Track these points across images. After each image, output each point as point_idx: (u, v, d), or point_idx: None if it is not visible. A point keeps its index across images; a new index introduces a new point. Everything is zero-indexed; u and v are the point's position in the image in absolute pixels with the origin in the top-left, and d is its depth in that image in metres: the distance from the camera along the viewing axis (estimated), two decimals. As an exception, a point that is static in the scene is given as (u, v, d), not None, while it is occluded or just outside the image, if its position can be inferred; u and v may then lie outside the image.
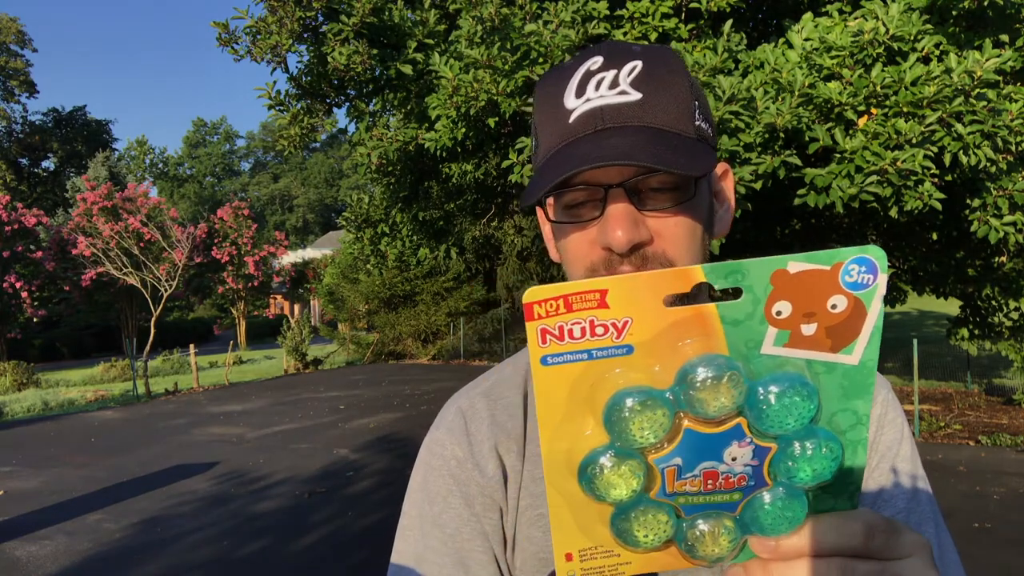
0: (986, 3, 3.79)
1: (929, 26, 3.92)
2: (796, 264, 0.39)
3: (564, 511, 0.45)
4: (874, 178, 3.76)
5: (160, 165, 63.16)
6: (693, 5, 4.67)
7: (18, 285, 22.00)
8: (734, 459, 0.42)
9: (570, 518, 0.45)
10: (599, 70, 0.69)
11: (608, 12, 4.55)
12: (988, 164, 3.75)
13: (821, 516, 0.43)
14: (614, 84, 0.68)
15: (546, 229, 0.82)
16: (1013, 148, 3.76)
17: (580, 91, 0.69)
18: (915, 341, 10.35)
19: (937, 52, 4.01)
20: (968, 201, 4.41)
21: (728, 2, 4.56)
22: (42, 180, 44.43)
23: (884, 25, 3.82)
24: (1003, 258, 6.38)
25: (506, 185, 6.80)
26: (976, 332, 7.77)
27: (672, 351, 0.41)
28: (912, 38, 3.89)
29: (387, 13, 5.16)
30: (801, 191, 4.13)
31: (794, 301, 0.39)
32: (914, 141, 3.69)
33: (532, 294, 0.40)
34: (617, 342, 0.40)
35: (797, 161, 3.99)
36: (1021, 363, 8.90)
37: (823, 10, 4.55)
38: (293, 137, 6.00)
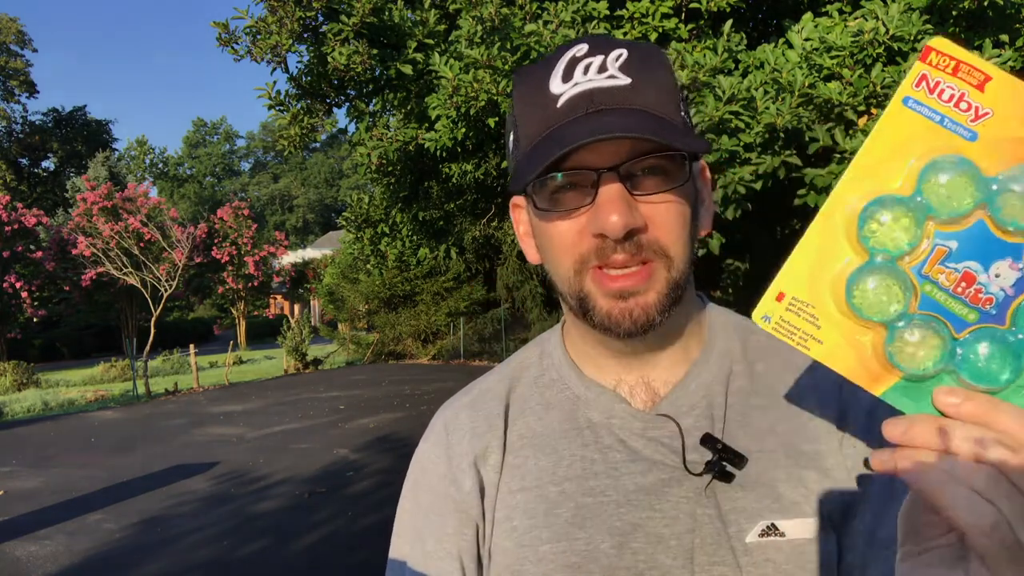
0: (986, 3, 3.79)
1: (929, 26, 3.92)
2: None
3: (810, 252, 0.45)
4: (874, 178, 3.77)
5: (160, 165, 63.15)
6: (693, 5, 4.67)
7: (18, 285, 21.99)
8: (997, 275, 0.42)
9: (808, 263, 0.45)
10: (585, 56, 0.67)
11: (608, 12, 4.55)
12: (988, 164, 3.76)
13: None
14: (603, 68, 0.67)
15: (521, 229, 0.79)
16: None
17: (567, 76, 0.67)
18: (915, 341, 10.38)
19: (937, 52, 4.01)
20: (968, 201, 4.41)
21: (728, 2, 4.56)
22: (42, 180, 44.43)
23: (884, 25, 3.82)
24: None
25: (506, 185, 6.80)
26: (976, 332, 7.76)
27: (1010, 156, 0.42)
28: (912, 38, 3.89)
29: (387, 13, 5.15)
30: (801, 191, 4.14)
31: None
32: (914, 141, 3.69)
33: (938, 42, 0.43)
34: (969, 124, 0.42)
35: (797, 161, 3.99)
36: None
37: (823, 10, 4.55)
38: (293, 137, 6.00)
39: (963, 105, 0.42)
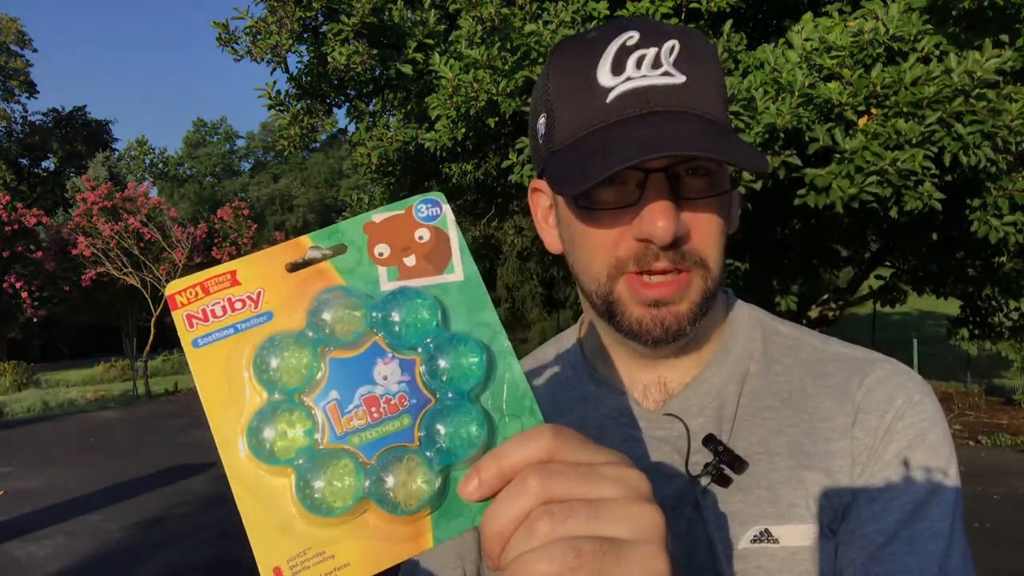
0: (986, 3, 3.79)
1: (929, 26, 3.92)
2: (379, 215, 0.46)
3: (258, 512, 0.41)
4: (874, 178, 3.76)
5: (160, 165, 63.10)
6: (693, 5, 4.66)
7: (18, 285, 21.97)
8: (385, 378, 0.43)
9: (267, 519, 0.41)
10: (636, 46, 0.62)
11: (608, 12, 4.55)
12: (988, 164, 3.75)
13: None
14: (656, 63, 0.61)
15: (539, 215, 0.76)
16: (1013, 148, 3.76)
17: (617, 68, 0.62)
18: (915, 341, 10.33)
19: (937, 52, 4.00)
20: (968, 201, 4.41)
21: (728, 2, 4.56)
22: (42, 180, 44.41)
23: (884, 25, 3.82)
24: (1003, 258, 6.37)
25: (506, 185, 6.79)
26: (976, 332, 7.76)
27: (302, 300, 0.44)
28: (912, 38, 3.89)
29: (387, 13, 5.15)
30: (801, 191, 4.13)
31: (390, 242, 0.46)
32: (914, 141, 3.69)
33: (172, 287, 0.44)
34: (256, 311, 0.43)
35: (797, 161, 3.99)
36: (1021, 363, 8.91)
37: (823, 10, 4.55)
38: (293, 137, 6.00)
39: (238, 305, 0.43)
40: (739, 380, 0.72)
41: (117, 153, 51.33)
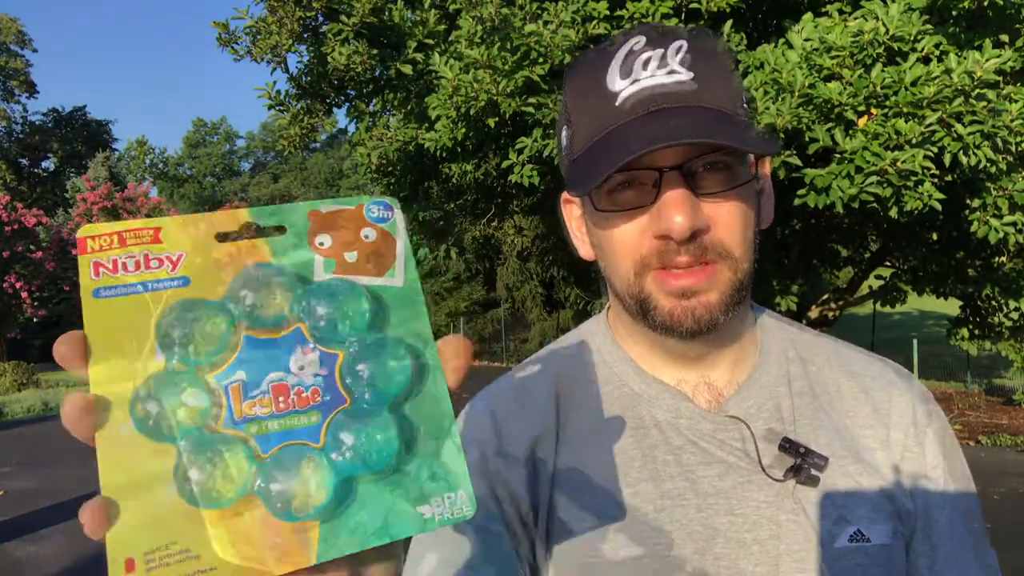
0: (986, 3, 3.79)
1: (929, 26, 3.92)
2: (327, 206, 0.44)
3: (123, 490, 0.36)
4: (874, 178, 3.76)
5: (160, 165, 63.13)
6: (693, 5, 4.66)
7: (18, 285, 21.97)
8: (302, 368, 0.39)
9: (132, 502, 0.36)
10: (643, 49, 0.64)
11: (608, 12, 4.55)
12: (988, 164, 3.75)
13: None
14: (663, 63, 0.63)
15: (572, 225, 0.77)
16: (1013, 148, 3.76)
17: (625, 72, 0.63)
18: (915, 341, 10.33)
19: (937, 52, 4.00)
20: (968, 201, 4.40)
21: (728, 2, 4.56)
22: (42, 180, 44.42)
23: (884, 25, 3.82)
24: (1003, 258, 6.37)
25: (506, 185, 6.79)
26: (976, 332, 7.75)
27: (228, 278, 0.40)
28: (912, 38, 3.89)
29: (387, 13, 5.15)
30: (801, 191, 4.14)
31: (333, 233, 0.43)
32: (914, 141, 3.69)
33: (86, 230, 0.40)
34: (172, 274, 0.40)
35: (797, 161, 3.99)
36: (1021, 363, 8.88)
37: (823, 10, 4.55)
38: (293, 137, 6.00)
39: (154, 263, 0.39)
40: (785, 381, 0.74)
41: (117, 153, 51.37)
